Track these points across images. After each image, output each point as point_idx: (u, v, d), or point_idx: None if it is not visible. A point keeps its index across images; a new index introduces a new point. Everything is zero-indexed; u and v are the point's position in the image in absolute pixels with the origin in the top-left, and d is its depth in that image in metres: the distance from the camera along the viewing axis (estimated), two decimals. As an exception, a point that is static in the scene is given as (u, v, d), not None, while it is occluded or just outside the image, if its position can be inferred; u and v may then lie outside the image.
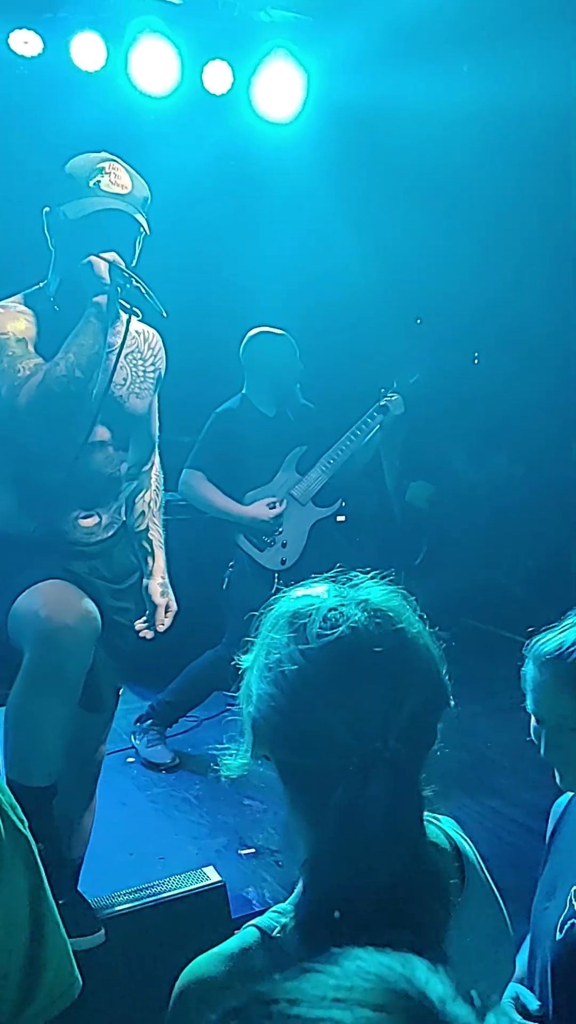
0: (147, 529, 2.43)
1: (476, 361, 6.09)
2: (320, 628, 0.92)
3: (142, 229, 2.09)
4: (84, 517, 2.12)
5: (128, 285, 2.00)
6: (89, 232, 2.02)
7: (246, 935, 0.93)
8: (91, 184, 2.04)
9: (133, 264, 2.10)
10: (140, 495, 2.42)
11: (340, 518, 3.85)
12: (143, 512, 2.42)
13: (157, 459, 2.48)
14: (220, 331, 4.53)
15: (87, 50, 4.23)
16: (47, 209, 2.12)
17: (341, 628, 0.91)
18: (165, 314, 2.07)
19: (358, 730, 0.87)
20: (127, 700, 3.94)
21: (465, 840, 1.05)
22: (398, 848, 0.87)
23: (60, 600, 1.87)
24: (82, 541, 2.13)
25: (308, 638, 0.92)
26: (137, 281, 2.01)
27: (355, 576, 1.00)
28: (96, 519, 2.15)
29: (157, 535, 2.45)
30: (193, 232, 4.86)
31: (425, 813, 1.03)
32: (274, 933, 0.91)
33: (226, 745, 1.02)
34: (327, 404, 3.81)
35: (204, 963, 0.92)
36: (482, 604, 5.55)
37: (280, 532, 3.56)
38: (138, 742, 3.67)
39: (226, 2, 4.22)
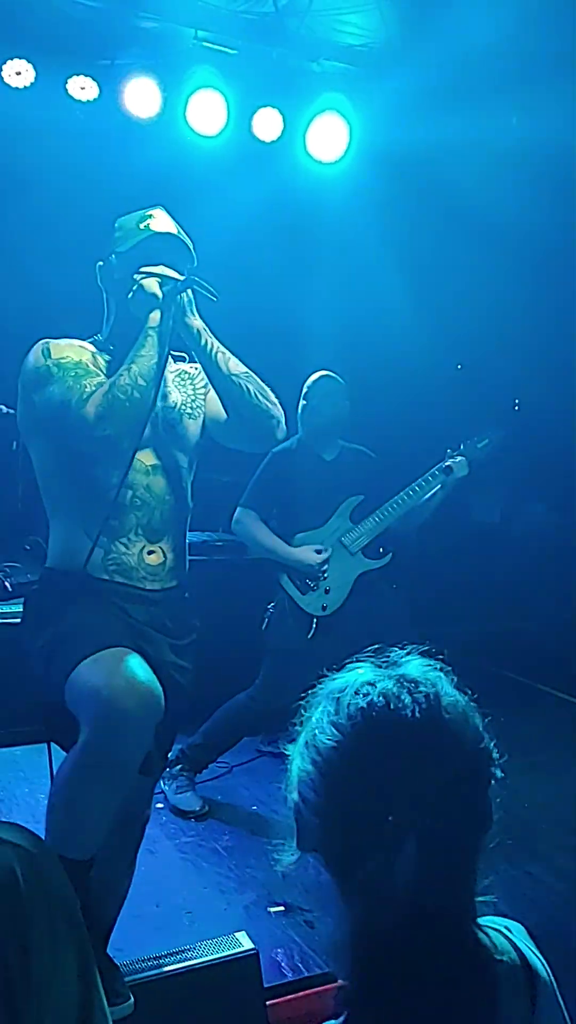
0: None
1: (516, 408, 6.06)
2: (352, 699, 0.93)
3: (192, 255, 2.12)
4: (149, 553, 2.08)
5: (184, 286, 2.03)
6: (138, 261, 2.07)
7: None
8: (140, 227, 2.11)
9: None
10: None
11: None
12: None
13: None
14: (266, 371, 4.56)
15: (142, 96, 4.31)
16: (100, 263, 2.17)
17: (371, 697, 0.92)
18: (215, 299, 2.06)
19: (387, 799, 0.86)
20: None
21: (537, 955, 0.99)
22: (435, 936, 0.83)
23: (124, 679, 1.78)
24: (145, 585, 2.09)
25: (340, 710, 0.93)
26: (189, 278, 2.04)
27: (395, 653, 1.01)
28: (161, 557, 2.10)
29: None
30: (242, 274, 4.90)
31: (489, 918, 0.98)
32: None
33: (278, 841, 0.99)
34: (380, 450, 3.78)
35: None
36: (515, 654, 5.46)
37: (325, 578, 3.53)
38: (167, 787, 3.62)
39: (281, 52, 4.27)
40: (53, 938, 0.87)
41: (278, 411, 2.18)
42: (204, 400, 2.26)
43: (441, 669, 0.98)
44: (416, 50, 4.22)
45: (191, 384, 2.26)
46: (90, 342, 2.18)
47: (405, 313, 4.98)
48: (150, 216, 2.13)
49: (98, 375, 2.04)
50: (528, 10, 3.81)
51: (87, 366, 2.05)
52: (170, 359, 2.20)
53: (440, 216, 5.07)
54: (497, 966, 0.91)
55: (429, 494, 3.60)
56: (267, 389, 2.16)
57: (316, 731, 0.95)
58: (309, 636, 3.52)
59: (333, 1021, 0.90)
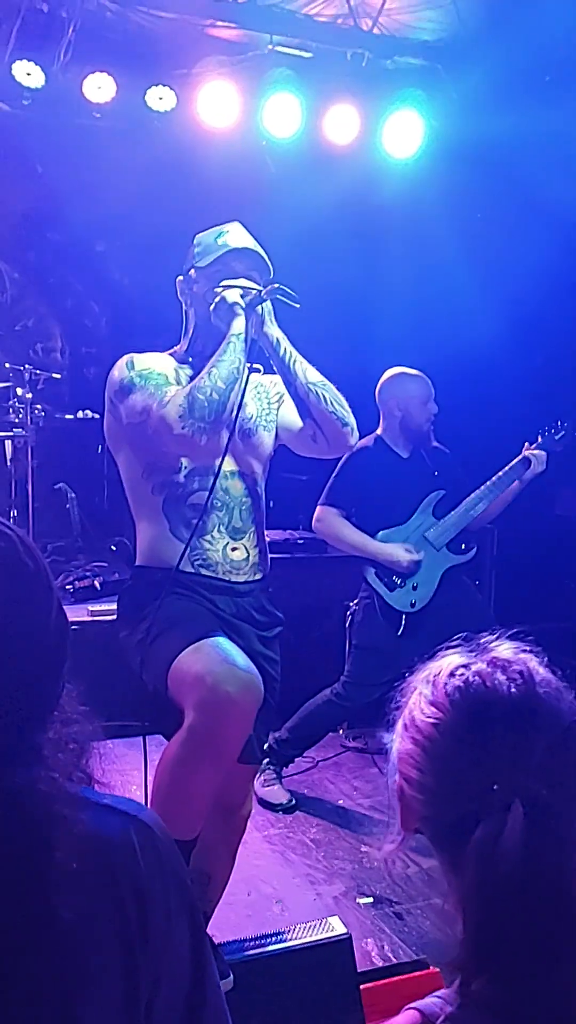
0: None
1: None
2: (447, 680, 0.97)
3: (268, 268, 2.18)
4: (233, 549, 2.16)
5: (266, 297, 2.10)
6: (218, 275, 2.15)
7: (407, 1019, 0.92)
8: (218, 242, 2.19)
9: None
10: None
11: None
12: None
13: None
14: (342, 369, 4.58)
15: (219, 104, 4.39)
16: (180, 277, 2.25)
17: (467, 676, 0.95)
18: (298, 305, 2.11)
19: (491, 769, 0.89)
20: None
21: None
22: (549, 903, 0.85)
23: (225, 666, 1.85)
24: (231, 577, 2.16)
25: (436, 691, 0.97)
26: (272, 288, 2.10)
27: (484, 638, 1.04)
28: (244, 552, 2.17)
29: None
30: (317, 273, 4.94)
31: None
32: (437, 1022, 0.89)
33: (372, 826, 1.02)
34: (454, 446, 3.77)
35: None
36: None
37: (412, 575, 3.53)
38: (255, 780, 3.67)
39: (356, 53, 4.30)
40: (167, 904, 0.91)
41: (351, 418, 2.25)
42: (277, 412, 2.33)
43: (531, 651, 1.01)
44: (492, 43, 4.20)
45: (266, 397, 2.33)
46: (170, 354, 2.27)
47: (479, 307, 4.94)
48: (227, 232, 2.20)
49: (179, 385, 2.12)
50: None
51: (167, 377, 2.15)
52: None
53: (515, 210, 5.00)
54: None
55: (509, 487, 3.59)
56: (341, 397, 2.23)
57: (414, 712, 0.98)
58: (399, 633, 3.51)
59: (440, 993, 0.92)
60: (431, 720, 0.95)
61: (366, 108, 4.56)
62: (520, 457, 3.63)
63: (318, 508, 3.58)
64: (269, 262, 2.20)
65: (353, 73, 4.41)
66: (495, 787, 0.88)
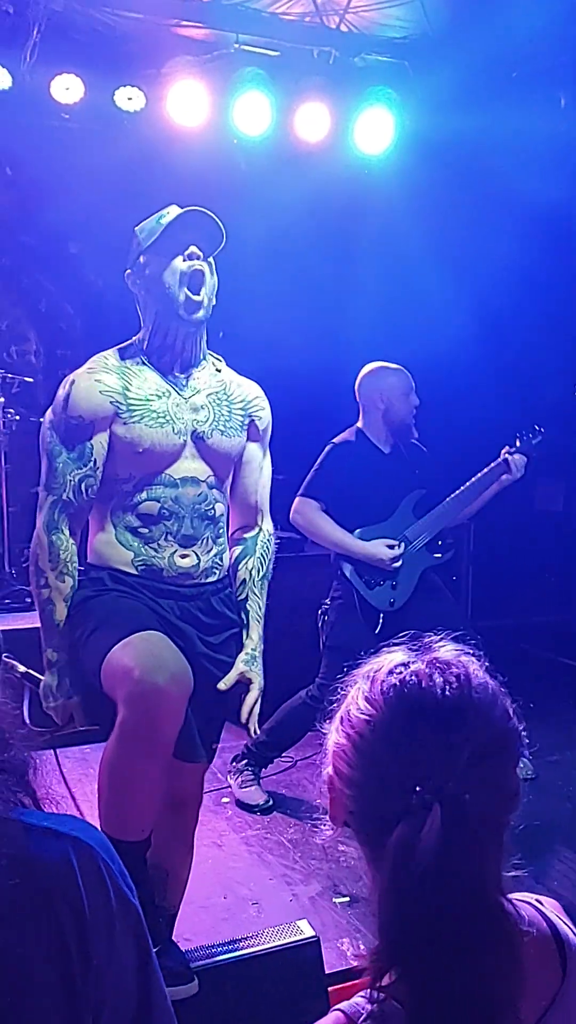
0: (246, 599, 2.33)
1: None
2: (385, 678, 0.98)
3: (218, 224, 2.15)
4: (182, 557, 2.15)
5: None
6: (167, 247, 2.13)
7: (330, 1019, 0.92)
8: (161, 221, 2.17)
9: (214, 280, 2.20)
10: (243, 562, 2.36)
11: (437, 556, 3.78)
12: (244, 580, 2.34)
13: (266, 524, 2.42)
14: (314, 364, 4.59)
15: (188, 103, 4.37)
16: (128, 271, 2.24)
17: (404, 676, 0.96)
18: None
19: (416, 769, 0.90)
20: (223, 740, 3.95)
21: (571, 928, 1.01)
22: (460, 902, 0.87)
23: (153, 658, 1.87)
24: (177, 582, 2.16)
25: (373, 688, 0.98)
26: None
27: (428, 638, 1.05)
28: (194, 559, 2.16)
29: (256, 609, 2.33)
30: (289, 269, 4.94)
31: (524, 895, 1.00)
32: (358, 1017, 0.90)
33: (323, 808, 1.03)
34: (427, 444, 3.77)
35: None
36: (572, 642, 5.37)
37: (392, 574, 3.52)
38: (233, 782, 3.68)
39: (323, 51, 4.29)
40: (110, 926, 0.90)
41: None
42: (242, 428, 2.30)
43: (473, 654, 1.02)
44: (458, 40, 4.20)
45: (227, 405, 2.28)
46: (126, 346, 2.26)
47: (451, 303, 4.94)
48: (166, 214, 2.19)
49: (81, 469, 2.11)
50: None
51: (78, 455, 2.12)
52: (211, 364, 2.27)
53: (486, 206, 5.02)
54: (524, 936, 0.92)
55: (487, 488, 3.60)
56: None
57: (351, 707, 0.99)
58: (376, 631, 3.50)
59: (363, 993, 0.93)
60: (364, 716, 0.97)
61: (336, 105, 4.56)
62: (499, 460, 3.62)
63: (297, 500, 3.53)
64: (219, 221, 2.16)
65: (321, 71, 4.41)
66: (418, 789, 0.89)
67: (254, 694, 2.21)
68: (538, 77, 4.30)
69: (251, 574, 2.34)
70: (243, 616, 2.31)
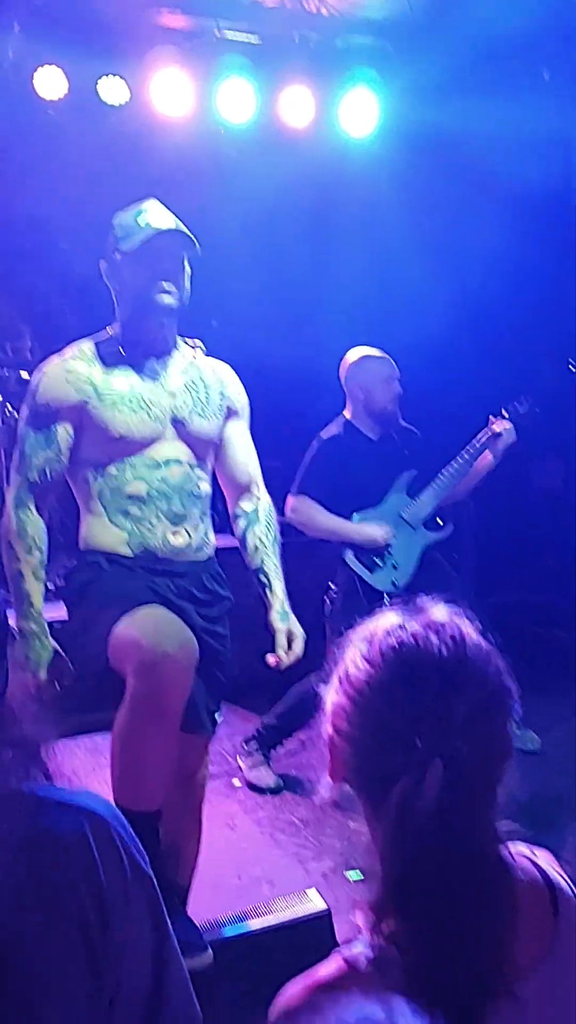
0: (263, 562, 2.42)
1: (573, 368, 5.94)
2: (383, 639, 1.00)
3: (194, 245, 2.22)
4: (174, 534, 2.21)
5: None
6: (146, 260, 2.17)
7: (331, 963, 0.95)
8: (139, 222, 2.20)
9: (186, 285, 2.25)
10: (251, 530, 2.45)
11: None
12: (256, 546, 2.43)
13: (263, 494, 2.50)
14: (297, 350, 4.59)
15: (174, 92, 4.35)
16: (104, 262, 2.27)
17: (402, 637, 0.99)
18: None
19: (416, 726, 0.93)
20: (233, 723, 4.00)
21: (563, 876, 1.04)
22: (458, 852, 0.91)
23: (158, 628, 1.94)
24: (170, 559, 2.23)
25: (371, 649, 1.00)
26: None
27: (423, 600, 1.08)
28: (186, 537, 2.23)
29: (273, 567, 2.43)
30: (273, 254, 4.93)
31: (520, 845, 1.03)
32: (357, 962, 0.92)
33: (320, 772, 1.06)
34: (417, 424, 3.78)
35: (290, 992, 0.95)
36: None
37: (391, 554, 3.54)
38: (243, 764, 3.71)
39: (303, 35, 4.28)
40: (125, 893, 0.93)
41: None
42: (220, 410, 2.37)
43: (466, 616, 1.05)
44: (440, 23, 4.18)
45: (204, 389, 2.34)
46: (98, 341, 2.30)
47: (435, 287, 4.93)
48: (145, 210, 2.22)
49: (46, 452, 2.19)
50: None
51: (44, 439, 2.18)
52: (184, 348, 2.32)
53: (470, 190, 5.02)
54: (518, 882, 0.96)
55: (480, 461, 3.62)
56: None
57: (349, 667, 1.02)
58: None
59: (360, 939, 0.95)
60: (364, 676, 0.99)
61: (320, 89, 4.54)
62: (487, 430, 3.64)
63: (290, 499, 3.55)
64: (194, 239, 2.21)
65: (304, 55, 4.40)
66: (418, 744, 0.92)
67: (299, 644, 2.33)
68: (521, 59, 4.28)
69: (261, 540, 2.43)
70: (263, 579, 2.39)
